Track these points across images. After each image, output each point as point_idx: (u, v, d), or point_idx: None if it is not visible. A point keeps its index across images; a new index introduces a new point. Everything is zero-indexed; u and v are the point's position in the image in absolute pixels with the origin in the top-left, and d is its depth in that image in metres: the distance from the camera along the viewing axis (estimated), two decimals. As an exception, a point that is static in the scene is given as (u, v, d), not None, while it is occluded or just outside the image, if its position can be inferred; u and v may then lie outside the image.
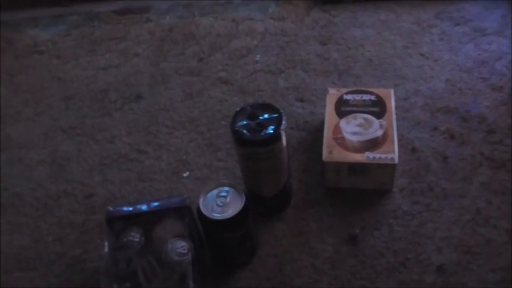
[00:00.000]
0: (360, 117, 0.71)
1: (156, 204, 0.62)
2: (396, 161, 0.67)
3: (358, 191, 0.70)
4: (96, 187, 0.76)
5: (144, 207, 0.62)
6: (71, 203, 0.75)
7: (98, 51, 0.98)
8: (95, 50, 0.98)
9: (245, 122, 0.60)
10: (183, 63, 0.94)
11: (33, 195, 0.76)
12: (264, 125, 0.59)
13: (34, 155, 0.82)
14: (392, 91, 0.75)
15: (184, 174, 0.76)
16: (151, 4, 1.09)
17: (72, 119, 0.86)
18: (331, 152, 0.68)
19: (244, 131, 0.59)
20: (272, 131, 0.58)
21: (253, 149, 0.59)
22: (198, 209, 0.59)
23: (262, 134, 0.58)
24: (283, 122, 0.59)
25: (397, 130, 0.71)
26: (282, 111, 0.60)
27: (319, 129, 0.76)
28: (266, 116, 0.60)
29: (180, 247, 0.58)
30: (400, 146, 0.72)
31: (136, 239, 0.59)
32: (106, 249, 0.59)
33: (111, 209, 0.62)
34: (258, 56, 0.92)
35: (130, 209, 0.62)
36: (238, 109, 0.62)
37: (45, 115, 0.88)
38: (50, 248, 0.70)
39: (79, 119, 0.86)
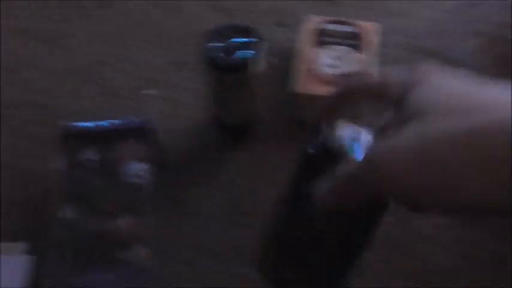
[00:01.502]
0: (338, 49, 0.68)
1: (116, 122, 0.58)
2: (371, 99, 0.64)
3: (328, 127, 0.68)
4: (53, 97, 0.72)
5: (103, 124, 0.58)
6: (25, 112, 0.70)
7: None
8: None
9: (219, 44, 0.56)
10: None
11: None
12: (239, 48, 0.55)
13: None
14: (377, 26, 0.71)
15: (149, 92, 0.72)
16: None
17: (33, 20, 0.80)
18: (302, 83, 0.65)
19: (216, 53, 0.55)
20: (247, 56, 0.55)
21: (224, 74, 0.55)
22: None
23: (235, 57, 0.55)
24: (262, 48, 0.55)
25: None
26: (262, 35, 0.56)
27: (294, 57, 0.72)
28: (244, 39, 0.56)
29: (139, 169, 0.55)
30: (375, 84, 0.70)
31: (93, 158, 0.56)
32: (59, 167, 0.56)
33: (67, 123, 0.58)
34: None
35: (89, 125, 0.58)
36: (213, 28, 0.57)
37: (2, 12, 0.80)
38: (-1, 157, 0.66)
39: (40, 21, 0.79)
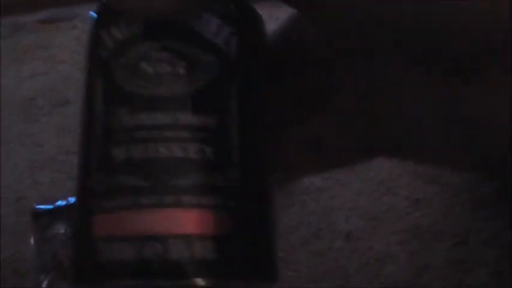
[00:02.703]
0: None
1: (80, 198, 0.66)
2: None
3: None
4: (26, 190, 0.79)
5: (69, 201, 0.66)
6: (1, 207, 0.77)
7: (24, 60, 1.00)
8: (21, 59, 1.01)
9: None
10: (109, 66, 0.97)
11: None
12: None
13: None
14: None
15: (112, 171, 0.80)
16: (77, 11, 1.12)
17: None
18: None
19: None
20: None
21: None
22: None
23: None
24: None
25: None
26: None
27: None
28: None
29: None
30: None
31: (61, 231, 0.63)
32: (32, 245, 0.62)
33: (37, 206, 0.65)
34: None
35: (56, 204, 0.65)
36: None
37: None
38: (-19, 252, 0.73)
39: (6, 127, 0.89)
